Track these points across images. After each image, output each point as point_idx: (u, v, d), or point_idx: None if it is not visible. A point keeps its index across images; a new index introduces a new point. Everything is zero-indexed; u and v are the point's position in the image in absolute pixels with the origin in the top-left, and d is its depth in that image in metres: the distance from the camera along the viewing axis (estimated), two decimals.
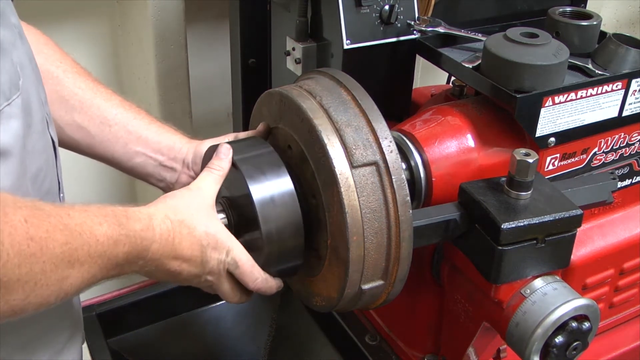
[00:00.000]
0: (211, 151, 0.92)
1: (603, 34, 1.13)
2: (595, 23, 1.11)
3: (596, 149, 1.06)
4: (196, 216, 0.82)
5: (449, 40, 1.15)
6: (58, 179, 0.83)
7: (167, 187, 1.00)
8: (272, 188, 0.86)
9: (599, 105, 1.02)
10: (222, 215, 0.89)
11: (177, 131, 1.02)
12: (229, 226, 0.88)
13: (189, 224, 0.81)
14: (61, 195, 0.85)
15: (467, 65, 1.05)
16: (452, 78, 1.20)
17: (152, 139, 0.98)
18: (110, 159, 0.98)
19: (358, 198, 0.81)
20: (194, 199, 0.84)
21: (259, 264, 0.87)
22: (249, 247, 0.89)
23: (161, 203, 0.82)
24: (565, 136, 1.01)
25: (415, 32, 1.14)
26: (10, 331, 0.76)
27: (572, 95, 0.98)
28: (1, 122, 0.67)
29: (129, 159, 0.98)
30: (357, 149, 0.82)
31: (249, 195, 0.85)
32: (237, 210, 0.89)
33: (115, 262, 0.71)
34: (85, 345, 1.20)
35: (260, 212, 0.85)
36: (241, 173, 0.87)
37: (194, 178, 0.96)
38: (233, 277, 0.86)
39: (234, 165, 0.89)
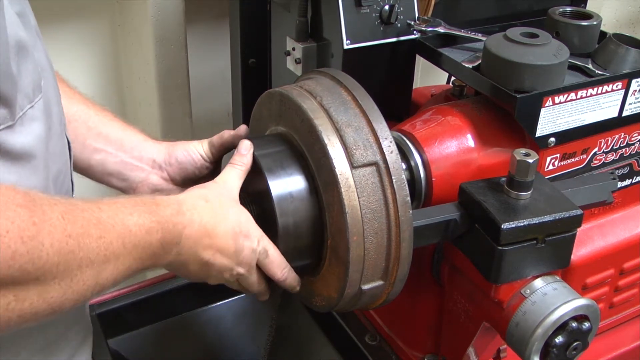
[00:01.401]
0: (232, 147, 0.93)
1: (603, 34, 1.13)
2: (595, 23, 1.11)
3: (596, 149, 1.06)
4: (227, 205, 0.82)
5: (449, 40, 1.15)
6: (72, 181, 0.83)
7: (129, 188, 0.96)
8: (291, 183, 0.86)
9: (599, 105, 1.02)
10: None
11: (141, 132, 0.99)
12: None
13: (221, 212, 0.80)
14: (73, 196, 0.84)
15: (467, 65, 1.05)
16: (452, 78, 1.20)
17: (113, 136, 0.95)
18: None
19: (358, 198, 0.81)
20: (223, 189, 0.84)
21: None
22: None
23: (190, 192, 0.81)
24: (565, 136, 1.01)
25: (415, 32, 1.14)
26: (33, 333, 0.76)
27: (572, 95, 0.98)
28: (25, 124, 0.66)
29: (88, 157, 0.94)
30: (358, 149, 0.82)
31: (267, 189, 0.85)
32: (255, 205, 0.89)
33: (151, 251, 0.70)
34: None
35: (278, 206, 0.85)
36: (260, 167, 0.87)
37: (166, 180, 0.96)
38: (259, 269, 0.86)
39: (253, 160, 0.89)
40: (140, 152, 0.96)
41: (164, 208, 0.73)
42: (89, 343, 0.90)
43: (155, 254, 0.72)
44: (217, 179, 0.86)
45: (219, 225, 0.79)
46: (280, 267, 0.86)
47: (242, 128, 0.96)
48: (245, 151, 0.88)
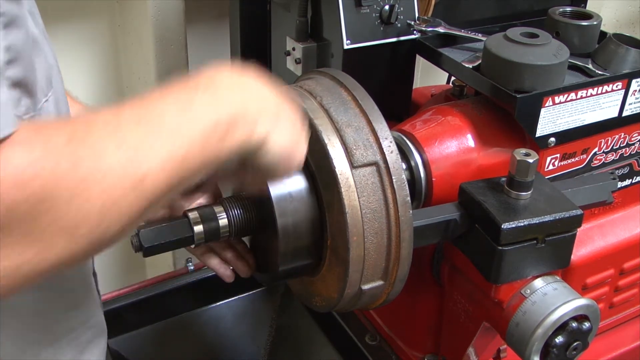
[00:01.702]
0: None
1: (603, 34, 1.13)
2: (595, 23, 1.11)
3: (596, 149, 1.06)
4: None
5: (449, 40, 1.15)
6: None
7: None
8: (290, 183, 0.86)
9: (599, 105, 1.02)
10: (223, 216, 0.89)
11: None
12: (229, 226, 0.89)
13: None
14: None
15: (467, 65, 1.05)
16: (452, 78, 1.20)
17: None
18: None
19: (358, 198, 0.81)
20: None
21: (275, 260, 0.88)
22: (264, 242, 0.89)
23: None
24: (565, 136, 1.01)
25: (415, 32, 1.14)
26: (40, 329, 0.75)
27: (572, 95, 0.98)
28: (43, 117, 0.65)
29: None
30: (358, 149, 0.82)
31: (266, 190, 0.85)
32: (255, 206, 0.89)
33: (216, 119, 0.59)
34: None
35: (277, 207, 0.85)
36: None
37: None
38: None
39: None
40: None
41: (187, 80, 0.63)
42: (100, 344, 0.89)
43: (222, 122, 0.60)
44: None
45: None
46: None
47: None
48: None
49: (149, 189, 0.54)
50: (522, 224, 0.87)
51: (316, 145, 0.84)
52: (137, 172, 0.53)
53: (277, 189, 0.85)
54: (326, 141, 0.82)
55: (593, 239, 1.09)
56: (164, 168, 0.55)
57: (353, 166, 0.82)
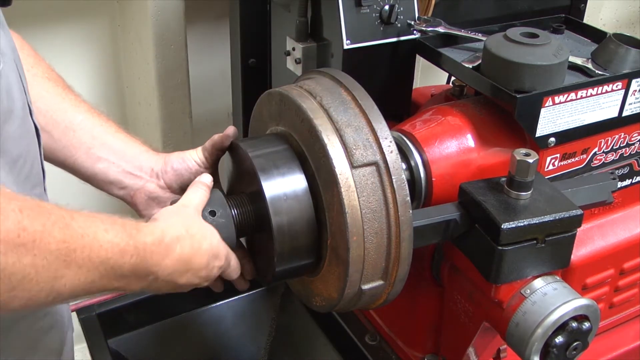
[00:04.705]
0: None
1: (603, 34, 1.13)
2: None
3: (596, 149, 1.06)
4: (203, 231, 0.83)
5: (449, 40, 1.15)
6: (42, 167, 0.83)
7: (127, 195, 0.99)
8: (284, 183, 0.86)
9: (599, 105, 1.02)
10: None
11: (144, 143, 1.01)
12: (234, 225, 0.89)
13: (200, 241, 0.81)
14: (45, 185, 0.85)
15: (467, 65, 1.05)
16: (452, 78, 1.20)
17: (116, 146, 0.98)
18: (72, 165, 0.97)
19: (358, 198, 0.81)
20: (195, 214, 0.85)
21: (272, 261, 0.88)
22: (261, 243, 0.89)
23: (170, 220, 0.81)
24: (565, 136, 1.01)
25: (415, 32, 1.14)
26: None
27: (572, 95, 0.98)
28: None
29: (91, 165, 0.96)
30: (357, 149, 0.82)
31: (260, 189, 0.85)
32: (253, 205, 0.90)
33: (120, 272, 0.70)
34: (85, 345, 1.20)
35: (271, 205, 0.85)
36: (254, 168, 0.87)
37: (162, 187, 0.98)
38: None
39: (248, 160, 0.89)
40: (141, 162, 0.98)
41: (145, 235, 0.73)
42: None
43: (125, 277, 0.71)
44: (185, 201, 0.86)
45: (197, 255, 0.80)
46: (235, 271, 0.89)
47: (231, 129, 0.97)
48: (205, 180, 0.91)
49: (59, 287, 0.64)
50: (522, 224, 0.87)
51: (316, 145, 0.84)
52: (60, 270, 0.63)
53: (272, 189, 0.86)
54: (326, 141, 0.82)
55: (593, 239, 1.09)
56: (75, 281, 0.65)
57: (353, 166, 0.82)
